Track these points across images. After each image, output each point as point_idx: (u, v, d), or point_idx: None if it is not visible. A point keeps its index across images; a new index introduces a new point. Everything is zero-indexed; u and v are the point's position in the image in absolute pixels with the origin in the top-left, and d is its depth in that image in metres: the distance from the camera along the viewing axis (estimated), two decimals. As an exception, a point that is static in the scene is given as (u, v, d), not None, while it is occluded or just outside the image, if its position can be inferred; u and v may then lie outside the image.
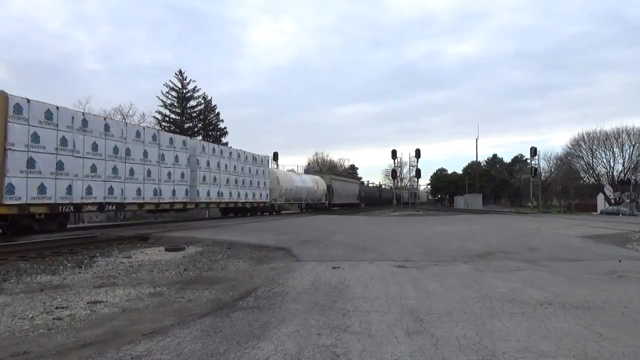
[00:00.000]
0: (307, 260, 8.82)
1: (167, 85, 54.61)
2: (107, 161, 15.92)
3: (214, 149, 23.81)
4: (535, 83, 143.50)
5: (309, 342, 3.87)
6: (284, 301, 5.46)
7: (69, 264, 8.69)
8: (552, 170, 71.65)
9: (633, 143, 56.21)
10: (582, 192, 66.40)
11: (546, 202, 70.37)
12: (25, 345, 3.90)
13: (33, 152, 13.04)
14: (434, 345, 3.78)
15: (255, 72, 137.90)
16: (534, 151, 47.32)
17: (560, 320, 4.59)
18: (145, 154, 17.77)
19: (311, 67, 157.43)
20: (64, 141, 14.08)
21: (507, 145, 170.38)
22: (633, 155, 56.42)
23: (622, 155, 57.31)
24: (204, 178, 22.28)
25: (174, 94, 54.85)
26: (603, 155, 58.67)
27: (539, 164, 52.07)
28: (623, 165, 57.41)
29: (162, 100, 54.10)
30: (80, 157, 14.76)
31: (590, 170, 60.07)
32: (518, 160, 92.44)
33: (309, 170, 56.42)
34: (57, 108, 13.96)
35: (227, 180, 24.53)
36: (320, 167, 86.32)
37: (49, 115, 13.62)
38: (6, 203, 12.25)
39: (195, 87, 55.76)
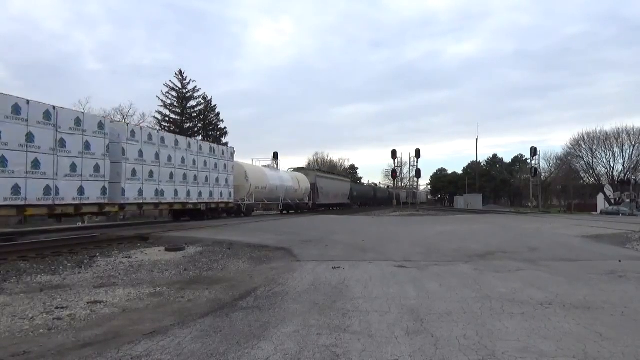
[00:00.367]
0: (307, 260, 8.82)
1: (167, 85, 54.62)
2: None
3: (150, 135, 18.06)
4: (535, 83, 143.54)
5: (309, 342, 3.87)
6: (284, 301, 5.46)
7: (69, 264, 8.69)
8: (552, 170, 71.74)
9: (633, 143, 56.32)
10: (582, 192, 66.41)
11: (546, 202, 70.40)
12: (25, 345, 3.90)
13: None
14: (434, 345, 3.78)
15: (255, 72, 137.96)
16: (534, 151, 47.37)
17: (561, 320, 4.59)
18: (30, 137, 12.32)
19: (311, 67, 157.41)
20: None
21: (507, 145, 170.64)
22: (633, 155, 56.53)
23: (622, 155, 57.45)
24: (134, 172, 16.83)
25: (174, 94, 54.85)
26: (603, 155, 58.80)
27: (539, 164, 52.21)
28: (623, 165, 57.54)
29: (162, 100, 54.10)
30: None
31: (590, 170, 60.15)
32: (518, 160, 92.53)
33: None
34: None
35: (171, 176, 18.91)
36: (320, 167, 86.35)
37: None
38: None
39: (195, 87, 55.76)
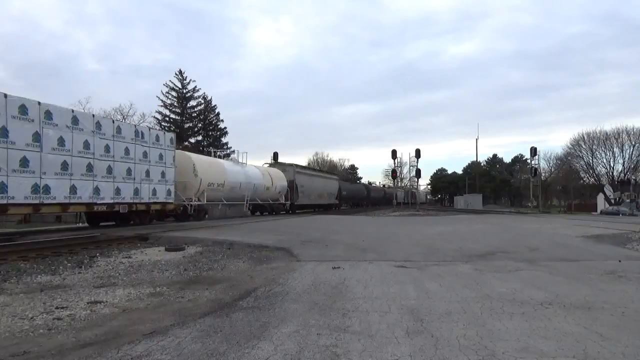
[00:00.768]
0: (307, 260, 8.82)
1: (167, 85, 54.72)
2: None
3: (23, 108, 12.45)
4: (535, 83, 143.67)
5: (309, 342, 3.87)
6: (284, 301, 5.46)
7: (69, 264, 8.69)
8: (552, 170, 71.72)
9: (633, 143, 56.32)
10: (582, 192, 66.40)
11: (546, 202, 70.37)
12: (25, 345, 3.90)
13: None
14: (434, 345, 3.78)
15: (255, 72, 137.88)
16: (534, 151, 47.33)
17: (560, 320, 4.58)
18: None
19: (311, 67, 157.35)
20: None
21: (507, 145, 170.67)
22: (633, 155, 56.54)
23: (622, 155, 57.45)
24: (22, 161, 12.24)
25: (174, 94, 54.95)
26: (603, 155, 58.79)
27: (539, 164, 52.13)
28: (623, 165, 57.55)
29: (162, 100, 54.22)
30: None
31: (590, 170, 60.13)
32: (518, 160, 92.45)
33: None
34: None
35: (66, 166, 13.75)
36: (320, 167, 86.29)
37: None
38: None
39: (195, 87, 55.89)
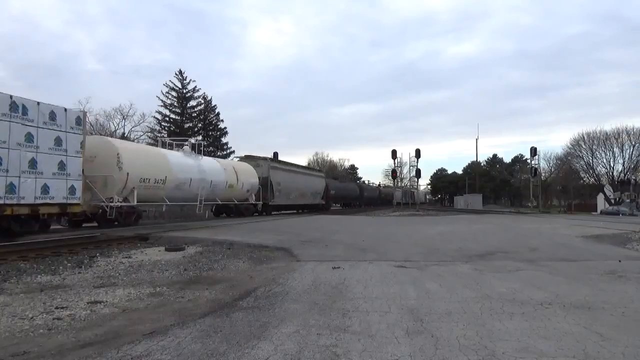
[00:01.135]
0: (307, 260, 8.82)
1: (167, 85, 54.69)
2: None
3: None
4: (535, 83, 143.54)
5: (309, 342, 3.87)
6: (284, 301, 5.46)
7: (69, 264, 8.69)
8: (552, 170, 71.80)
9: (633, 143, 56.43)
10: (582, 192, 66.44)
11: (546, 202, 70.39)
12: (25, 345, 3.90)
13: None
14: (434, 345, 3.78)
15: (255, 72, 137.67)
16: (534, 151, 47.35)
17: (560, 320, 4.59)
18: None
19: (311, 67, 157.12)
20: None
21: (507, 145, 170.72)
22: (633, 155, 56.66)
23: (622, 155, 57.57)
24: None
25: (174, 94, 54.93)
26: (603, 155, 58.89)
27: (539, 164, 52.20)
28: (623, 165, 57.66)
29: (162, 100, 54.18)
30: None
31: (590, 170, 60.22)
32: (518, 160, 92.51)
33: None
34: None
35: None
36: (320, 168, 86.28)
37: None
38: None
39: (195, 87, 55.84)
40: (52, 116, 13.25)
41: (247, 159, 31.90)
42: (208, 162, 24.22)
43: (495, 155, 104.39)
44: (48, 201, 13.01)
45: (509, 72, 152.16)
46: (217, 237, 12.88)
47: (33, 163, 12.52)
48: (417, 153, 49.93)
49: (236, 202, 26.17)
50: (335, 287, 6.31)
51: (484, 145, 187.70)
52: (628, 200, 52.98)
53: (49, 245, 11.03)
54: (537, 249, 10.99)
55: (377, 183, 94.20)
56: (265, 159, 32.85)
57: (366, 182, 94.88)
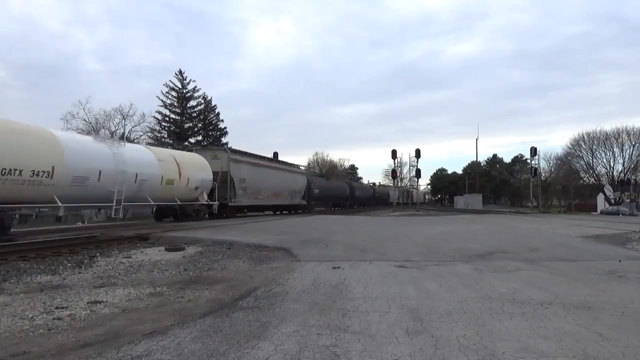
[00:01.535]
0: (307, 260, 8.82)
1: (167, 85, 54.61)
2: None
3: None
4: (535, 83, 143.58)
5: (309, 342, 3.87)
6: (284, 301, 5.46)
7: (69, 264, 8.69)
8: (552, 170, 71.77)
9: (633, 143, 56.40)
10: (582, 192, 66.44)
11: (546, 202, 70.38)
12: (25, 345, 3.90)
13: None
14: (434, 345, 3.78)
15: (255, 72, 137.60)
16: (534, 151, 47.37)
17: (560, 320, 4.59)
18: None
19: (311, 67, 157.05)
20: None
21: (507, 145, 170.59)
22: (633, 155, 56.62)
23: (622, 155, 57.54)
24: None
25: (174, 94, 54.84)
26: (603, 155, 58.85)
27: (539, 164, 52.19)
28: (623, 165, 57.63)
29: (162, 100, 54.08)
30: None
31: (590, 170, 60.17)
32: (518, 160, 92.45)
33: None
34: None
35: None
36: (320, 168, 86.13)
37: None
38: None
39: (195, 87, 55.76)
40: None
41: (203, 149, 26.35)
42: (133, 151, 17.94)
43: (495, 155, 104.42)
44: None
45: (509, 72, 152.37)
46: (217, 237, 12.88)
47: None
48: (417, 153, 49.97)
49: (179, 202, 20.03)
50: (335, 287, 6.31)
51: (484, 145, 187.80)
52: (628, 200, 52.98)
53: (49, 245, 11.04)
54: (537, 249, 10.98)
55: (372, 183, 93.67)
56: (224, 150, 27.23)
57: (366, 182, 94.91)
